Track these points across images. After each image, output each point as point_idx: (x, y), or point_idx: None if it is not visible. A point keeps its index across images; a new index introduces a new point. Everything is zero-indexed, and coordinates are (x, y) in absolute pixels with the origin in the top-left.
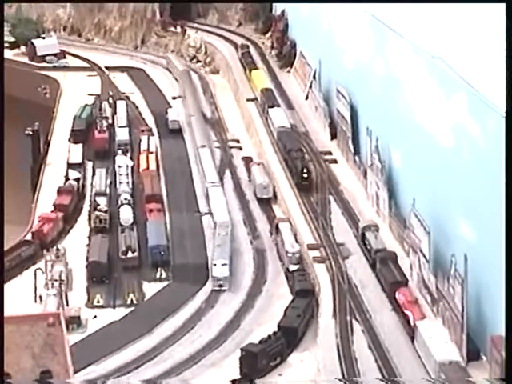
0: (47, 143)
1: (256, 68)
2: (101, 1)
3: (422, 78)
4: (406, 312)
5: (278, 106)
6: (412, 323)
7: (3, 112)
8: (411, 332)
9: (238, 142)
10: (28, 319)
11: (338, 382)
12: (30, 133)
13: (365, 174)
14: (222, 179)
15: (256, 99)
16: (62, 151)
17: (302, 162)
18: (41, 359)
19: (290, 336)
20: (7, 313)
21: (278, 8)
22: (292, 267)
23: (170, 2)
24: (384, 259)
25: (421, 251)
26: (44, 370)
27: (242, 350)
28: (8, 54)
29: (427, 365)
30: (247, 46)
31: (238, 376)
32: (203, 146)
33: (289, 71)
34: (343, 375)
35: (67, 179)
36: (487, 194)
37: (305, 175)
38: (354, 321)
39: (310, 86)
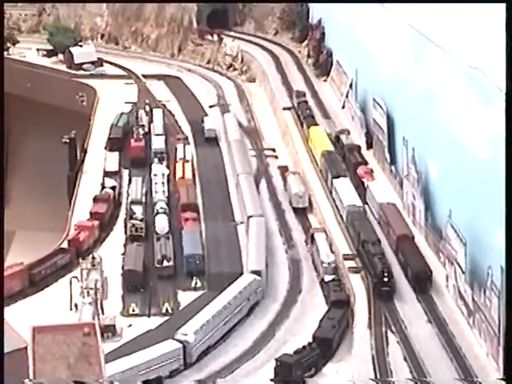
0: (84, 151)
1: (315, 123)
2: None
3: (459, 88)
4: (363, 179)
5: (345, 175)
6: (366, 185)
7: (3, 111)
8: (364, 192)
9: (273, 150)
10: (63, 329)
11: (371, 382)
12: (67, 141)
13: (401, 184)
14: (257, 188)
15: (293, 108)
16: (98, 159)
17: (382, 261)
18: (76, 369)
19: (324, 347)
20: (43, 322)
21: (314, 17)
22: (327, 277)
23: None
24: (351, 150)
25: (457, 262)
26: (77, 381)
27: (276, 360)
28: (46, 61)
29: (373, 208)
30: (304, 94)
31: None
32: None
33: (325, 80)
34: None
35: (103, 187)
36: None
37: (385, 279)
38: (389, 332)
39: (347, 96)
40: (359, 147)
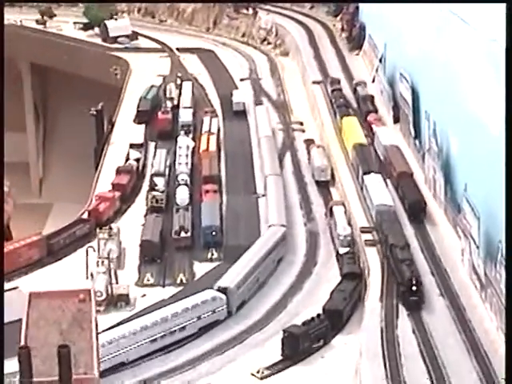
0: (111, 123)
1: (348, 114)
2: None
3: (479, 64)
4: (372, 126)
5: (377, 172)
6: (374, 130)
7: (3, 111)
8: (373, 134)
9: (301, 124)
10: (60, 295)
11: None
12: (94, 113)
13: (423, 157)
14: (281, 162)
15: (322, 82)
16: (125, 131)
17: (410, 268)
18: (68, 334)
19: (334, 319)
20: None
21: None
22: (342, 250)
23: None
24: (364, 99)
25: (471, 236)
26: (62, 345)
27: (284, 331)
28: (82, 35)
29: (378, 150)
30: (338, 82)
31: (279, 357)
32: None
33: (357, 54)
34: (384, 359)
35: (128, 159)
36: None
37: (413, 287)
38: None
39: (377, 70)
40: (372, 97)
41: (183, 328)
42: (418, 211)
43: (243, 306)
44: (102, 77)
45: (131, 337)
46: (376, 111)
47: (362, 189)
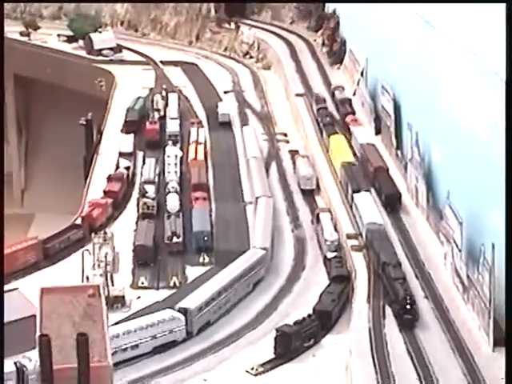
0: (100, 133)
1: (335, 132)
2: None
3: (461, 74)
4: (349, 126)
5: (367, 189)
6: (351, 130)
7: (3, 111)
8: (350, 134)
9: (285, 135)
10: (70, 290)
11: None
12: (84, 123)
13: (406, 167)
14: (267, 171)
15: (305, 95)
16: (114, 141)
17: (403, 286)
18: (80, 326)
19: (324, 319)
20: None
21: (330, 6)
22: (330, 254)
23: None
24: (343, 102)
25: (454, 241)
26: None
27: (276, 330)
28: (67, 47)
29: (355, 148)
30: (324, 100)
31: (272, 355)
32: None
33: (339, 68)
34: (373, 357)
35: (118, 167)
36: None
37: (407, 306)
38: (386, 306)
39: (358, 83)
40: (350, 100)
41: (136, 346)
42: (393, 202)
43: (208, 326)
44: (87, 89)
45: None
46: (354, 113)
47: (351, 207)
